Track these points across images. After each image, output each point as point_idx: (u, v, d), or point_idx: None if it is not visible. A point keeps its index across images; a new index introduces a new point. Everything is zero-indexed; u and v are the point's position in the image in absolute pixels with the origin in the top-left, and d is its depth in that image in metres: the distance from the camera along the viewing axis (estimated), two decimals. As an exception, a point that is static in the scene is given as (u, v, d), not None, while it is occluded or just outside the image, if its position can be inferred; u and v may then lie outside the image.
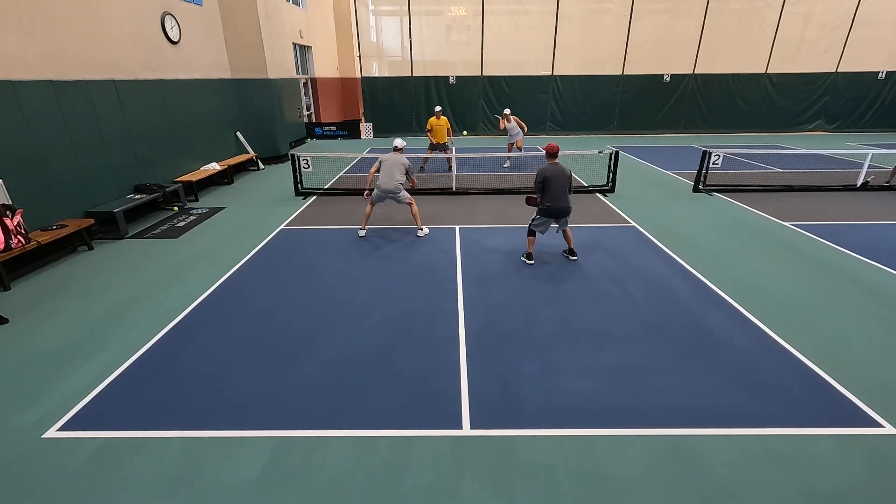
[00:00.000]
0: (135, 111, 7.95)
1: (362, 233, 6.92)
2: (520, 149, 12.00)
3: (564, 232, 5.92)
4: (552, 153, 5.56)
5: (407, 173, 6.83)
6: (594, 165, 10.85)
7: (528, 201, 5.90)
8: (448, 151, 11.44)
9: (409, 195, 6.94)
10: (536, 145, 15.70)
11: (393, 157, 6.76)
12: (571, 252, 5.99)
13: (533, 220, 5.84)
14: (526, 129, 12.19)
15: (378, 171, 6.78)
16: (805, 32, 17.03)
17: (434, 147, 11.33)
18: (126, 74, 7.78)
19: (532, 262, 5.83)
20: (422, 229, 6.96)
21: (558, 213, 5.62)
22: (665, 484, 2.71)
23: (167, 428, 3.17)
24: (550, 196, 5.51)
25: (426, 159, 11.42)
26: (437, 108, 11.41)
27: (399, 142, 7.00)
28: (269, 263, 5.96)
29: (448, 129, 11.24)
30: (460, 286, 5.22)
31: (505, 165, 12.08)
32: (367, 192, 7.00)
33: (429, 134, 11.34)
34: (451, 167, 11.58)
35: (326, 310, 4.72)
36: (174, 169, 9.13)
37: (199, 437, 3.08)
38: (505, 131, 12.10)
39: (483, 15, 16.92)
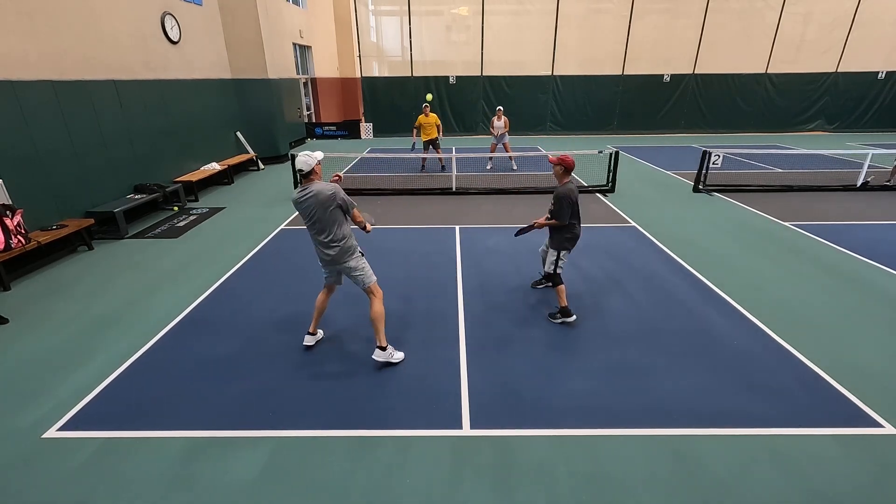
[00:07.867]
0: (135, 111, 7.95)
1: (309, 341, 4.04)
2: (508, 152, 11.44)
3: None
4: (572, 168, 4.20)
5: (344, 212, 3.55)
6: (594, 165, 10.84)
7: (522, 231, 4.61)
8: (440, 149, 11.41)
9: (370, 272, 3.73)
10: (537, 145, 15.75)
11: (316, 193, 3.39)
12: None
13: (558, 259, 4.28)
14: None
15: (307, 223, 3.56)
16: (805, 32, 17.02)
17: (426, 144, 11.26)
18: (126, 74, 7.77)
19: (573, 317, 4.36)
20: (384, 348, 3.72)
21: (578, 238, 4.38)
22: (665, 484, 2.71)
23: (167, 428, 3.17)
24: (577, 219, 4.26)
25: (424, 159, 11.42)
26: (425, 105, 11.04)
27: (308, 159, 3.39)
28: (269, 263, 5.96)
29: (438, 125, 11.04)
30: (460, 286, 5.22)
31: (488, 167, 11.68)
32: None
33: (415, 131, 11.21)
34: (442, 167, 11.61)
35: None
36: (174, 169, 9.13)
37: (199, 437, 3.08)
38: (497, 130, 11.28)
39: (483, 15, 16.91)
